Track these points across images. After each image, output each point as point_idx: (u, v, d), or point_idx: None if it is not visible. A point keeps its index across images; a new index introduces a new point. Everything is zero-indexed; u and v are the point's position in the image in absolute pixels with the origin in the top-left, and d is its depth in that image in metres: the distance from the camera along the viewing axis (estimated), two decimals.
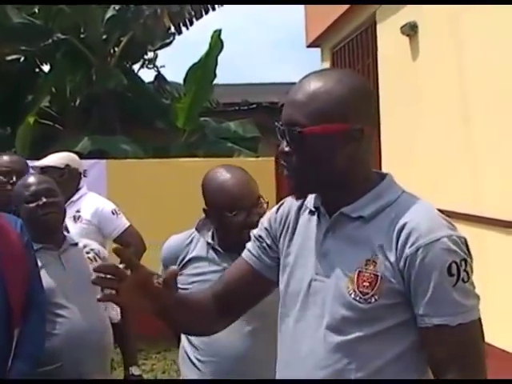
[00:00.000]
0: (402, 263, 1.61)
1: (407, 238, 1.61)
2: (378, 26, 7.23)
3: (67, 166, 4.57)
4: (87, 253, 3.19)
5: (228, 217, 2.61)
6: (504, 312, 4.71)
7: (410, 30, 6.31)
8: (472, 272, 1.63)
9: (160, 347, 7.50)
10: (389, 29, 6.86)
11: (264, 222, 1.95)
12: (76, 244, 3.20)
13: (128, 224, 4.75)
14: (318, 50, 9.65)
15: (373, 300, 1.62)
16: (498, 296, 4.69)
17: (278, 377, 1.82)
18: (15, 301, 2.77)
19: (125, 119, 12.03)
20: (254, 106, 14.55)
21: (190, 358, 2.71)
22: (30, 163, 6.02)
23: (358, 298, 1.64)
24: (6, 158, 4.23)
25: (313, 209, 1.80)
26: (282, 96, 15.92)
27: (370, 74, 7.65)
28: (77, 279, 3.04)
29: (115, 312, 3.21)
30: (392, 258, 1.62)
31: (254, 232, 1.97)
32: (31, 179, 3.19)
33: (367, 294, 1.63)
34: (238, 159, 10.48)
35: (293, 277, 1.80)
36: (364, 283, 1.63)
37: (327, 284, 1.70)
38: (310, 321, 1.73)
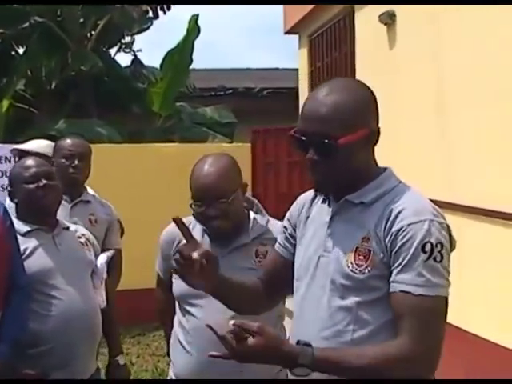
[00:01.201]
0: (387, 239, 1.87)
1: (395, 219, 1.87)
2: (356, 14, 7.24)
3: None
4: (78, 237, 3.21)
5: (194, 205, 2.72)
6: (479, 299, 4.78)
7: (388, 18, 6.32)
8: (447, 258, 1.86)
9: (134, 332, 7.54)
10: (367, 17, 6.89)
11: (287, 214, 2.26)
12: (68, 228, 3.22)
13: None
14: (295, 37, 9.65)
15: (366, 271, 1.89)
16: (473, 283, 4.76)
17: (292, 337, 2.04)
18: None
19: (101, 103, 11.99)
20: (231, 91, 14.56)
21: (180, 342, 2.80)
22: (8, 146, 6.00)
23: (354, 270, 1.90)
24: (68, 141, 4.23)
25: (325, 197, 2.07)
26: (258, 81, 15.95)
27: (347, 61, 7.68)
28: (70, 262, 3.07)
29: (101, 298, 3.20)
30: (381, 235, 1.88)
31: (282, 223, 2.29)
32: (31, 161, 3.19)
33: (362, 265, 1.90)
34: (214, 145, 10.48)
35: (306, 255, 2.07)
36: (360, 257, 1.90)
37: (331, 259, 1.97)
38: (316, 290, 2.00)
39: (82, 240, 3.22)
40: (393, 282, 1.84)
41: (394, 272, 1.84)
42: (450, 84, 5.39)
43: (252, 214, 2.84)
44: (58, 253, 3.07)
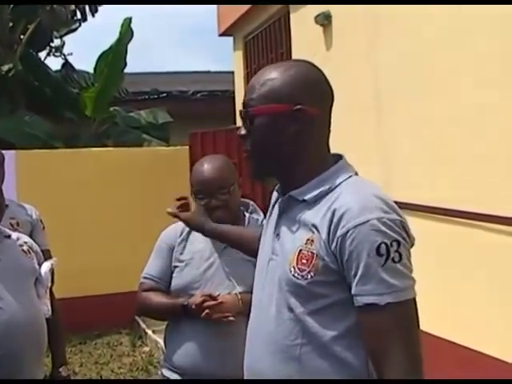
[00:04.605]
0: (333, 244, 1.66)
1: (339, 221, 1.66)
2: (292, 16, 7.26)
3: None
4: (21, 245, 3.10)
5: (196, 199, 2.95)
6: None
7: (324, 19, 6.35)
8: (407, 254, 1.66)
9: (75, 341, 7.41)
10: (302, 18, 6.91)
11: None
12: (9, 236, 3.11)
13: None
14: (227, 39, 9.62)
15: (309, 276, 1.69)
16: None
17: (245, 352, 1.91)
18: None
19: (32, 108, 11.75)
20: (164, 94, 14.45)
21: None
22: None
23: (296, 275, 1.71)
24: None
25: (278, 193, 1.94)
26: (191, 84, 15.83)
27: None
28: (12, 271, 2.94)
29: (46, 307, 3.10)
30: (325, 238, 1.68)
31: None
32: None
33: (304, 270, 1.70)
34: (151, 148, 10.40)
35: (260, 258, 1.94)
36: (302, 260, 1.71)
37: (278, 262, 1.80)
38: (265, 298, 1.83)
39: (25, 248, 3.11)
40: (355, 295, 1.64)
41: (353, 284, 1.63)
42: (386, 82, 5.45)
43: (247, 214, 3.07)
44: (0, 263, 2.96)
